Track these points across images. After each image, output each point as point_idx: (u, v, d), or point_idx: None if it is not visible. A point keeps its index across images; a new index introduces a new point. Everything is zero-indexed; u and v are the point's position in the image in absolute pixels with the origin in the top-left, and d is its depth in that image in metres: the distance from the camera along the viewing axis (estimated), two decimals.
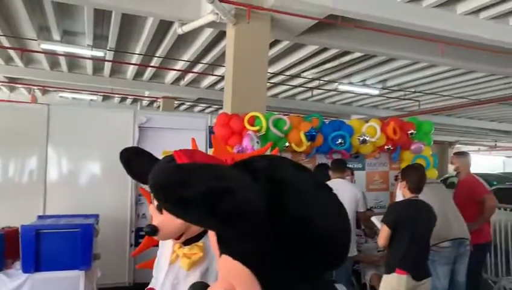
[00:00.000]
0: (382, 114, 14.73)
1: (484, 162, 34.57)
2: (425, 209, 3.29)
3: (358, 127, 5.44)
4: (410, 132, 5.65)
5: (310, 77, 10.85)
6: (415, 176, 3.34)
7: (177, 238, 1.80)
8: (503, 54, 7.59)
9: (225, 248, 0.92)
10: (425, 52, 7.42)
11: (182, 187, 0.80)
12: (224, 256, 0.92)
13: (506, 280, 4.78)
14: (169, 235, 1.76)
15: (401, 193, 3.38)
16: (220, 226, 0.85)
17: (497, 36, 6.49)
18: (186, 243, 1.86)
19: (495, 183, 10.61)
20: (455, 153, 4.77)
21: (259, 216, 0.82)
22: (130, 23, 7.69)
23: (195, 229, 1.76)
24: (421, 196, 3.69)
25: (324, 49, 8.59)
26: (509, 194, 8.52)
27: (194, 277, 1.86)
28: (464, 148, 30.65)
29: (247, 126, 4.73)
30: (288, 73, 10.52)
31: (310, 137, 5.08)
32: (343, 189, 4.07)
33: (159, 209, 1.69)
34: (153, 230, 1.68)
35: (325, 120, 5.63)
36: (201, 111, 17.14)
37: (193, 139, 2.09)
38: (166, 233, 1.71)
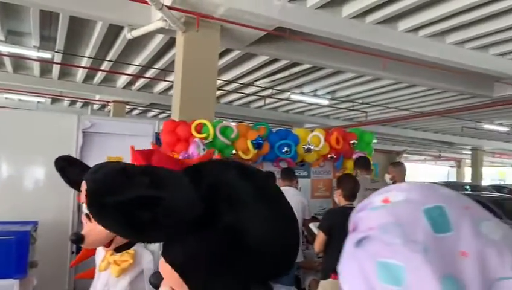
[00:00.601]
0: (333, 123, 15.19)
1: (430, 171, 36.32)
2: None
3: (303, 136, 5.62)
4: (352, 141, 5.89)
5: (263, 85, 11.05)
6: (349, 184, 3.52)
7: (107, 246, 1.82)
8: (441, 70, 8.11)
9: (162, 251, 0.91)
10: (369, 66, 7.79)
11: (105, 195, 0.79)
12: (161, 259, 0.90)
13: None
14: (96, 243, 1.77)
15: (337, 201, 3.55)
16: (140, 234, 0.84)
17: (434, 53, 6.93)
18: (118, 250, 1.88)
19: None
20: (391, 163, 5.05)
21: (189, 224, 0.81)
22: (79, 26, 7.54)
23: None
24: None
25: (275, 60, 8.79)
26: None
27: (124, 282, 1.89)
28: (411, 157, 32.12)
29: (194, 133, 4.78)
30: (241, 81, 10.66)
31: (257, 145, 5.20)
32: (292, 197, 4.21)
33: (88, 216, 1.70)
34: (78, 238, 1.69)
35: (274, 129, 5.77)
36: (155, 116, 16.94)
37: (132, 147, 2.07)
38: (92, 241, 1.72)
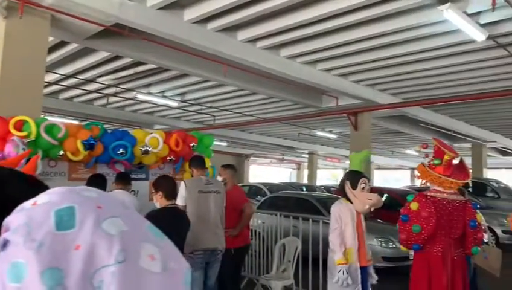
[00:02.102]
0: (184, 126, 15.25)
1: (276, 173, 39.12)
2: (179, 216, 3.56)
3: (141, 137, 5.50)
4: (192, 144, 5.98)
5: (107, 83, 10.49)
6: (169, 184, 3.58)
7: None
8: (280, 81, 8.82)
9: None
10: (212, 71, 8.03)
11: None
12: None
13: (264, 278, 5.48)
14: None
15: (159, 204, 3.56)
16: None
17: (270, 65, 7.49)
18: None
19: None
20: (222, 166, 5.25)
21: None
22: None
23: None
24: (203, 205, 4.04)
25: (118, 57, 8.44)
26: (281, 201, 9.83)
27: None
28: (258, 160, 34.16)
29: (13, 131, 4.29)
30: (82, 76, 9.95)
31: (89, 146, 4.90)
32: (125, 200, 4.08)
33: None
34: None
35: (111, 129, 5.52)
36: None
37: None
38: None
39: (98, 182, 4.48)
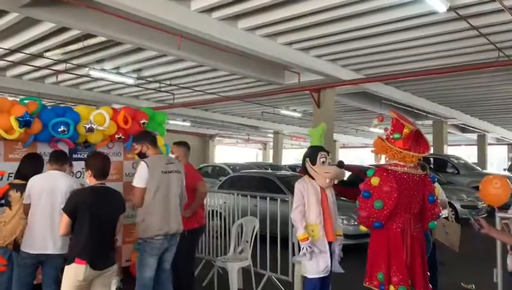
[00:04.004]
0: (143, 104, 14.65)
1: (242, 153, 38.99)
2: (110, 195, 3.28)
3: (85, 114, 5.08)
4: (142, 121, 5.60)
5: (56, 58, 9.81)
6: (98, 163, 3.28)
7: None
8: (241, 56, 8.44)
9: None
10: (167, 44, 7.58)
11: None
12: None
13: (220, 260, 5.25)
14: None
15: (89, 182, 3.26)
16: None
17: (227, 37, 7.10)
18: None
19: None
20: (175, 143, 4.90)
21: None
22: None
23: None
24: (165, 186, 3.70)
25: (66, 28, 7.83)
26: (242, 180, 9.61)
27: None
28: (224, 140, 33.83)
29: None
30: (28, 51, 9.25)
31: (24, 123, 4.47)
32: (59, 181, 3.69)
33: None
34: None
35: (48, 105, 5.06)
36: None
37: None
38: None
39: (32, 162, 4.07)
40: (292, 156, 36.15)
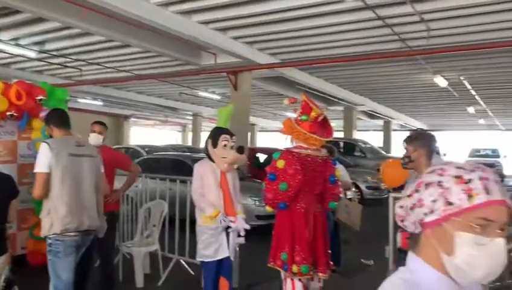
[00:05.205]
0: (48, 80, 13.41)
1: (160, 135, 37.98)
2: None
3: None
4: (39, 97, 5.12)
5: None
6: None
7: None
8: (154, 33, 8.03)
9: None
10: (70, 15, 6.98)
11: None
12: None
13: (125, 245, 5.03)
14: None
15: None
16: None
17: (137, 11, 6.71)
18: None
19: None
20: (97, 122, 4.49)
21: None
22: None
23: None
24: (75, 171, 3.11)
25: None
26: (155, 163, 9.33)
27: None
28: (140, 122, 32.58)
29: None
30: None
31: None
32: None
33: None
34: None
35: None
36: None
37: None
38: None
39: None
40: None
